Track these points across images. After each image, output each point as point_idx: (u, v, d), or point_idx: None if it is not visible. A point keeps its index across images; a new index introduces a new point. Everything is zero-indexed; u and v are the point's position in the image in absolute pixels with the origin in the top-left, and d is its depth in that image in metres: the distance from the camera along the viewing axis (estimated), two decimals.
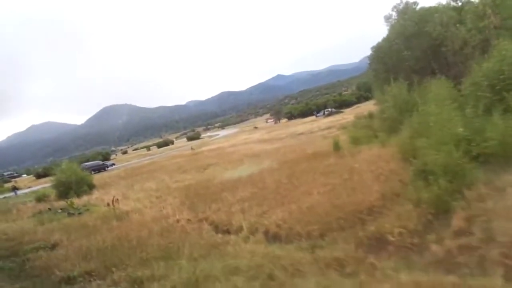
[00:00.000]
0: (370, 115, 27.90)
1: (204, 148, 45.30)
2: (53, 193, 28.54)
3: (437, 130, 7.83)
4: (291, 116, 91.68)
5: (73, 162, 30.51)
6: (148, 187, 19.31)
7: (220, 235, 8.28)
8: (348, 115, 44.01)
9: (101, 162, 49.65)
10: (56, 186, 25.55)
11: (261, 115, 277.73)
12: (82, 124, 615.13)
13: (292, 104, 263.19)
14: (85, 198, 22.18)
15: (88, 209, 15.58)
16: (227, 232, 8.65)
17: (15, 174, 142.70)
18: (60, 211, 16.42)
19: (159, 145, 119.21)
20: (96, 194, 22.85)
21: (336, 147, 14.98)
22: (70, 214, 14.75)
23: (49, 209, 18.26)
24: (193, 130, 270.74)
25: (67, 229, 11.74)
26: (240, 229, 8.44)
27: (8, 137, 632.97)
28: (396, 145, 11.08)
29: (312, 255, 5.91)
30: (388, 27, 25.09)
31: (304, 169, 13.02)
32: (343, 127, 27.03)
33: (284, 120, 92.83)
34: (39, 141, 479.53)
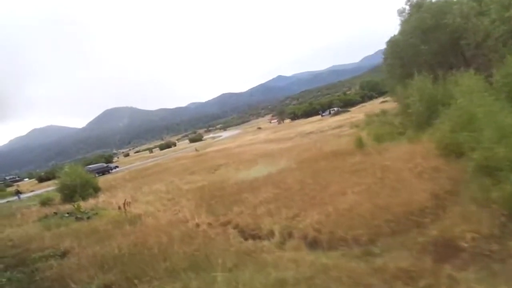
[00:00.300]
0: (383, 113, 27.13)
1: (208, 149, 44.53)
2: (57, 197, 27.86)
3: (489, 123, 7.03)
4: (294, 116, 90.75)
5: (77, 164, 29.75)
6: (157, 189, 18.53)
7: (249, 241, 7.48)
8: (355, 113, 43.20)
9: (105, 165, 48.94)
10: (60, 189, 24.81)
11: (262, 116, 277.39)
12: (83, 127, 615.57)
13: (294, 104, 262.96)
14: (91, 202, 21.45)
15: (96, 213, 14.81)
16: (256, 237, 7.86)
17: (17, 178, 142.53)
18: (67, 215, 15.65)
19: (161, 147, 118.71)
20: (102, 197, 22.10)
21: (359, 144, 14.20)
22: (78, 219, 13.97)
23: (55, 213, 17.50)
24: (195, 132, 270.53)
25: (77, 234, 10.97)
26: (271, 233, 7.65)
27: (10, 141, 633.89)
28: (430, 141, 10.29)
29: (368, 264, 5.11)
30: (401, 21, 24.38)
31: (326, 168, 12.23)
32: (356, 126, 26.21)
33: (287, 121, 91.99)
34: (41, 145, 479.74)
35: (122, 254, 7.66)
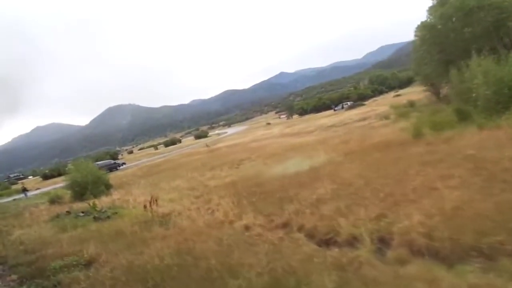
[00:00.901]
0: (411, 104, 25.54)
1: (220, 145, 43.03)
2: (67, 194, 26.45)
3: None
4: (302, 112, 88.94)
5: (87, 160, 28.26)
6: (178, 186, 17.00)
7: (331, 249, 5.89)
8: (372, 107, 41.47)
9: (112, 161, 47.48)
10: (70, 186, 23.34)
11: (266, 113, 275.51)
12: (86, 125, 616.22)
13: (298, 100, 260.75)
14: (104, 199, 20.01)
15: (115, 212, 13.26)
16: (333, 243, 6.27)
17: (21, 176, 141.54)
18: (82, 214, 14.11)
19: (166, 144, 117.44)
20: (116, 195, 20.62)
21: (417, 133, 12.59)
22: (96, 219, 12.43)
23: (68, 212, 16.00)
24: (198, 129, 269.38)
25: (100, 238, 9.43)
26: (353, 239, 6.07)
27: (13, 139, 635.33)
28: None
29: None
30: (433, 5, 22.67)
31: (384, 160, 10.61)
32: (384, 117, 24.49)
33: (295, 116, 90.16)
34: (44, 143, 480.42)
35: (167, 265, 6.08)
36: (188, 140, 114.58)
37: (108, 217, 12.27)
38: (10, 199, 33.26)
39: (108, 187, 24.40)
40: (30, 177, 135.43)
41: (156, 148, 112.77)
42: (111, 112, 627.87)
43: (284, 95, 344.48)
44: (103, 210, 14.07)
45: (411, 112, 20.84)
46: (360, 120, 27.13)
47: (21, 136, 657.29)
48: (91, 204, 14.79)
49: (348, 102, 60.95)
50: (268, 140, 30.05)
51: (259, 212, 8.85)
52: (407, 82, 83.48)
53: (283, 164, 14.61)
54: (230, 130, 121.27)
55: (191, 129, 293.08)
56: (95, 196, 22.37)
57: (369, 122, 24.39)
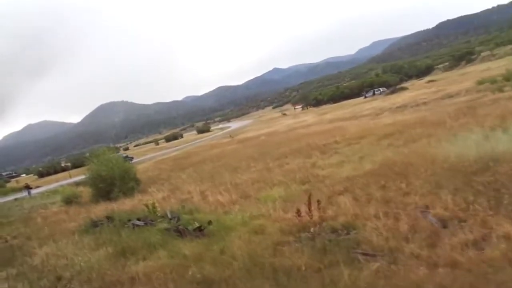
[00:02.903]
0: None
1: (246, 135, 38.19)
2: (84, 192, 21.59)
3: None
4: (316, 103, 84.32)
5: (111, 149, 23.23)
6: (267, 178, 12.11)
7: None
8: (425, 89, 36.70)
9: (124, 155, 42.24)
10: (93, 182, 18.34)
11: (262, 108, 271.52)
12: (78, 123, 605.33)
13: (295, 95, 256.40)
14: (142, 199, 15.17)
15: (209, 222, 8.12)
16: None
17: (14, 174, 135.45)
18: (139, 223, 9.20)
19: (168, 139, 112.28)
20: (158, 193, 15.70)
21: None
22: (178, 233, 7.52)
23: (109, 218, 11.08)
24: (193, 125, 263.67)
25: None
26: None
27: (4, 137, 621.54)
28: None
29: None
30: None
31: None
32: (498, 90, 19.47)
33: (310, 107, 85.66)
34: (36, 141, 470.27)
35: None
36: (191, 135, 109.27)
37: (200, 229, 7.36)
38: (9, 198, 28.08)
39: (137, 182, 19.51)
40: (23, 175, 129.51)
41: (157, 144, 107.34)
42: (103, 109, 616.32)
43: (279, 90, 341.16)
44: (174, 217, 9.18)
45: None
46: (440, 99, 22.38)
47: (12, 134, 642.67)
48: (149, 206, 9.79)
49: (380, 89, 56.45)
50: (322, 126, 25.33)
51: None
52: (425, 71, 79.83)
53: (453, 143, 9.62)
54: (233, 124, 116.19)
55: (186, 125, 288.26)
56: (126, 194, 17.50)
57: (471, 98, 19.45)
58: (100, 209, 15.25)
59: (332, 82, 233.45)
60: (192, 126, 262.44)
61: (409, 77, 75.96)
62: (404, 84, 58.87)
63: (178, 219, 9.12)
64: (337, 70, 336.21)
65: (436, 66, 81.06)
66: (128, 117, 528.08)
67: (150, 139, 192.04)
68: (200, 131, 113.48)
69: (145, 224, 9.04)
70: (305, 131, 24.56)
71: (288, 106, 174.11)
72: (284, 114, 74.32)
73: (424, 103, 21.79)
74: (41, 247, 9.89)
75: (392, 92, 44.73)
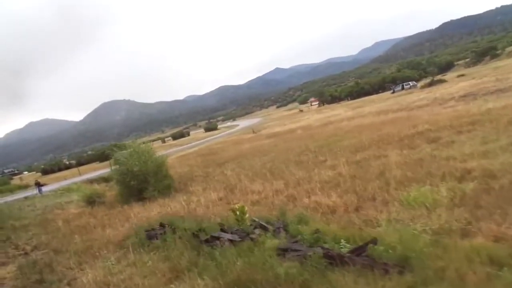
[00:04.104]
0: None
1: (273, 130, 35.28)
2: (106, 190, 18.78)
3: None
4: (332, 99, 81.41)
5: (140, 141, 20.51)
6: (356, 174, 9.21)
7: None
8: (456, 83, 33.93)
9: None
10: (121, 179, 15.46)
11: (266, 107, 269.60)
12: (80, 121, 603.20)
13: (299, 94, 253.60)
14: (182, 200, 12.38)
15: (373, 241, 5.19)
16: None
17: (16, 171, 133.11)
18: (234, 238, 6.28)
19: (174, 137, 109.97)
20: (205, 192, 12.85)
21: None
22: (331, 261, 4.54)
23: (163, 226, 8.24)
24: (195, 124, 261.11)
25: None
26: None
27: (7, 135, 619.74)
28: None
29: None
30: None
31: None
32: None
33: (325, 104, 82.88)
34: (38, 139, 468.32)
35: None
36: (199, 133, 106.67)
37: (360, 251, 4.42)
38: (18, 196, 25.20)
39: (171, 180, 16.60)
40: (25, 172, 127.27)
41: (164, 141, 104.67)
42: (105, 108, 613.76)
43: (281, 90, 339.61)
44: (278, 227, 6.30)
45: None
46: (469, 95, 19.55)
47: (14, 132, 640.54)
48: (238, 212, 6.84)
49: (410, 83, 53.45)
50: (370, 118, 22.32)
51: None
52: (445, 67, 77.09)
53: None
54: (241, 123, 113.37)
55: (189, 124, 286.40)
56: (162, 194, 14.63)
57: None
58: (137, 211, 12.39)
59: (337, 82, 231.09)
60: (195, 125, 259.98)
61: (428, 73, 72.98)
62: (429, 79, 56.09)
63: (285, 231, 6.25)
64: (338, 71, 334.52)
65: (456, 63, 78.37)
66: (130, 115, 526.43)
67: (153, 137, 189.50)
68: (208, 129, 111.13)
69: (241, 239, 6.12)
70: (353, 124, 21.63)
71: (295, 104, 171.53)
72: (301, 111, 71.44)
73: (501, 90, 18.84)
74: (81, 268, 7.03)
75: (430, 85, 41.85)
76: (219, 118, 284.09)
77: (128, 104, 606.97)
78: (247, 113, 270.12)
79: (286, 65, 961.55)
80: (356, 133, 16.91)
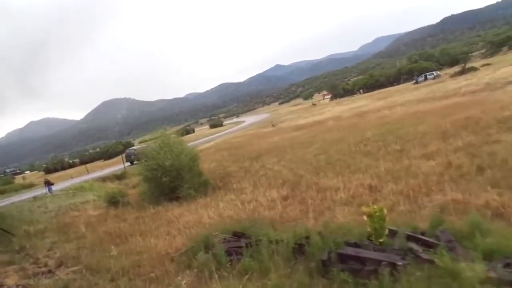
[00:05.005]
0: None
1: (296, 123, 33.07)
2: (128, 188, 16.67)
3: None
4: (344, 93, 79.14)
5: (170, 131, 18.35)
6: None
7: None
8: (486, 72, 31.73)
9: None
10: (152, 176, 13.27)
11: (268, 104, 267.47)
12: (81, 120, 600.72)
13: (301, 91, 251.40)
14: (231, 197, 10.29)
15: None
16: None
17: (18, 171, 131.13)
18: (397, 260, 4.06)
19: (180, 134, 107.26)
20: (254, 190, 10.73)
21: None
22: None
23: (235, 236, 6.02)
24: (197, 122, 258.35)
25: None
26: None
27: (8, 134, 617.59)
28: None
29: None
30: None
31: None
32: None
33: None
34: (39, 138, 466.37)
35: None
36: (204, 130, 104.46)
37: None
38: (26, 196, 23.02)
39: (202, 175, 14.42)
40: (27, 171, 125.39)
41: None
42: (106, 106, 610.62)
43: (282, 87, 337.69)
44: (450, 240, 4.05)
45: None
46: None
47: (15, 131, 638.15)
48: (373, 217, 4.58)
49: (434, 73, 51.22)
50: (416, 107, 20.08)
51: None
52: (460, 59, 74.59)
53: None
54: (246, 119, 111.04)
55: (190, 122, 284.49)
56: (199, 192, 12.48)
57: None
58: (177, 213, 10.21)
59: (339, 77, 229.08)
60: (196, 122, 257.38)
61: (442, 64, 70.65)
62: (447, 70, 53.98)
63: (454, 248, 4.07)
64: (339, 67, 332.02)
65: (470, 54, 75.99)
66: (131, 114, 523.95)
67: (154, 135, 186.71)
68: (213, 126, 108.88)
69: (406, 262, 3.92)
70: (401, 112, 19.39)
71: (298, 100, 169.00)
72: (314, 104, 69.21)
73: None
74: None
75: (462, 73, 39.60)
76: (221, 115, 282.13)
77: (129, 103, 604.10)
78: (249, 110, 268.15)
79: (286, 62, 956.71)
80: (416, 120, 14.70)
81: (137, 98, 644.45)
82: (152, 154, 13.30)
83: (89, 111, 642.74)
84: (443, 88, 27.46)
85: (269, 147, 19.13)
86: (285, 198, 9.13)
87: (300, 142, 17.85)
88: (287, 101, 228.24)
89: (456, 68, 50.48)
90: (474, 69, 40.35)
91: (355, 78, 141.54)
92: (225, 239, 6.27)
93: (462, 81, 28.34)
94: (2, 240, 10.66)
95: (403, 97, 29.27)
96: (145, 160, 13.90)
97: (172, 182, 12.60)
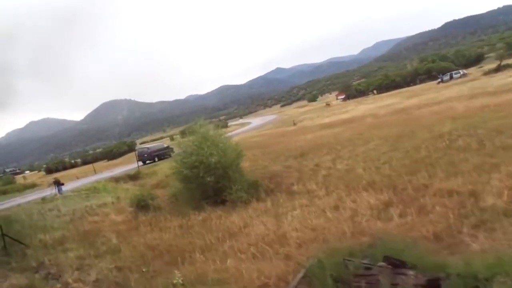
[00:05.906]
0: None
1: (321, 121, 31.00)
2: (159, 190, 14.55)
3: None
4: (357, 94, 77.04)
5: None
6: None
7: None
8: None
9: (165, 145, 34.86)
10: (191, 175, 11.06)
11: (270, 106, 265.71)
12: (81, 120, 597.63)
13: (303, 93, 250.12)
14: (304, 203, 8.13)
15: None
16: None
17: (18, 171, 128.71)
18: None
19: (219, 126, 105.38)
20: (351, 197, 8.56)
21: None
22: None
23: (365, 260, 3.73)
24: (195, 123, 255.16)
25: None
26: None
27: (7, 134, 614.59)
28: None
29: None
30: None
31: None
32: None
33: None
34: (39, 138, 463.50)
35: None
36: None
37: None
38: (31, 197, 20.78)
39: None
40: (27, 172, 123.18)
41: (172, 139, 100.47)
42: (106, 107, 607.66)
43: (282, 89, 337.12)
44: None
45: None
46: None
47: (15, 131, 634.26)
48: None
49: (460, 71, 49.43)
50: (466, 102, 18.06)
51: None
52: (475, 60, 72.93)
53: None
54: (251, 121, 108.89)
55: (191, 124, 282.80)
56: (251, 196, 10.34)
57: None
58: (238, 223, 8.09)
59: (341, 81, 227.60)
60: (195, 123, 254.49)
61: (457, 66, 69.04)
62: (466, 70, 52.20)
63: None
64: (339, 70, 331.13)
65: (486, 55, 74.36)
66: (131, 115, 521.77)
67: (155, 136, 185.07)
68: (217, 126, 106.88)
69: None
70: (462, 106, 17.30)
71: (302, 102, 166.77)
72: (328, 105, 67.20)
73: None
74: None
75: (497, 71, 37.79)
76: (221, 117, 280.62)
77: (129, 104, 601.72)
78: (250, 112, 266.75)
79: (287, 65, 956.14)
80: (496, 113, 12.62)
81: (137, 100, 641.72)
82: (192, 149, 11.09)
83: (89, 112, 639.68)
84: (487, 84, 25.48)
85: (308, 145, 16.99)
86: (387, 204, 6.98)
87: (347, 140, 15.71)
88: (289, 104, 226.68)
89: (485, 67, 48.97)
90: (510, 66, 38.55)
91: (358, 81, 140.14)
92: (366, 267, 4.10)
93: (507, 78, 26.44)
94: (13, 252, 8.49)
95: (441, 94, 27.17)
96: (182, 158, 11.63)
97: (218, 182, 10.42)
